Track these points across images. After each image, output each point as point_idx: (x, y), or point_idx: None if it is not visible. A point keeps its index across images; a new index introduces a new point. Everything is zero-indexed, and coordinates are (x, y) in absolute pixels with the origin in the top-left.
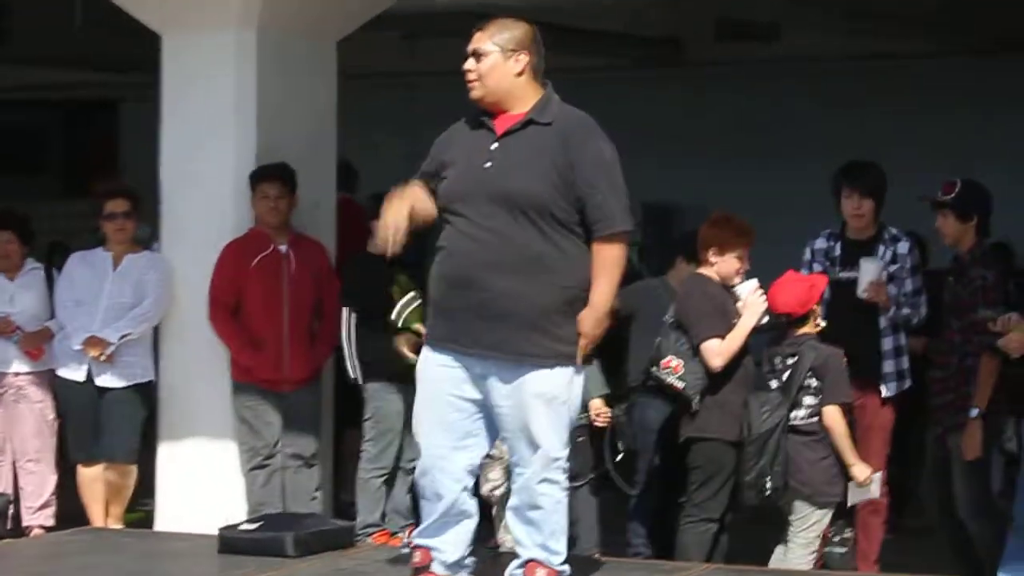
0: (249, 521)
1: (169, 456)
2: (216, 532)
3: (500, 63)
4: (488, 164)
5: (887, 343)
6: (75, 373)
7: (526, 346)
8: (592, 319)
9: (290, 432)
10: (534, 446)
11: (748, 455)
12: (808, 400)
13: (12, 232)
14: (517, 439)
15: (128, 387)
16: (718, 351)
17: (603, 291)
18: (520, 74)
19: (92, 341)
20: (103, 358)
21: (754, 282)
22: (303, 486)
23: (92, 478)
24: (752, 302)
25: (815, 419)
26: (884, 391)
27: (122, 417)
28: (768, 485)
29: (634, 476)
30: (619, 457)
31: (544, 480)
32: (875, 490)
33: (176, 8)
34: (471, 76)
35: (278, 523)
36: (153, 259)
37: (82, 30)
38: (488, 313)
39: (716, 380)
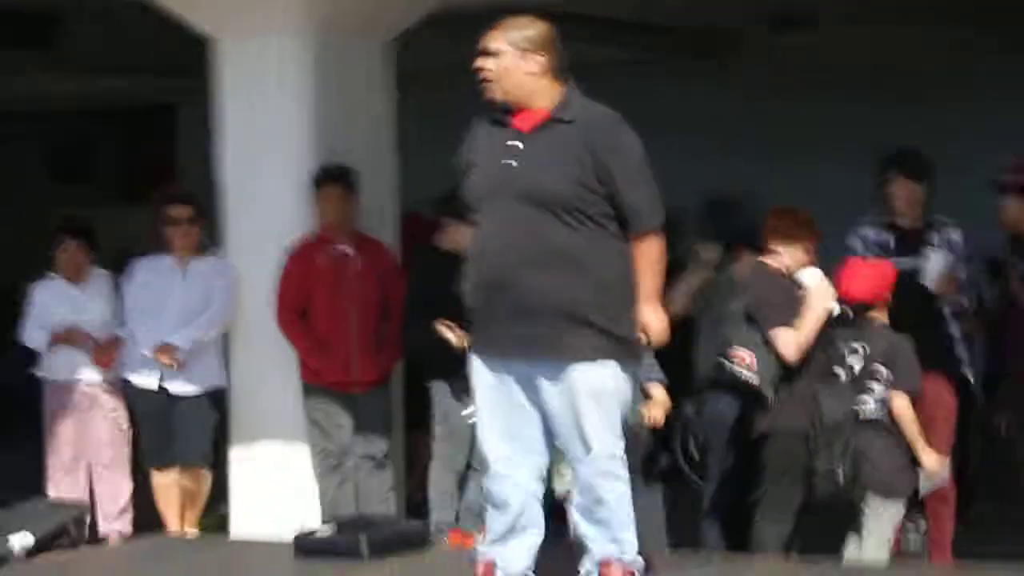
0: (324, 524)
1: (242, 460)
2: (291, 538)
3: (515, 63)
4: (514, 163)
5: (954, 329)
6: (146, 380)
7: (564, 341)
8: (650, 313)
9: (361, 434)
10: (587, 443)
11: (820, 445)
12: (878, 389)
13: (79, 240)
14: (571, 437)
15: (199, 393)
16: (793, 341)
17: (647, 285)
18: (536, 74)
19: (163, 348)
20: (175, 365)
21: (818, 271)
22: (375, 488)
23: (167, 484)
24: (820, 291)
25: (884, 409)
26: (958, 377)
27: (194, 423)
28: (841, 476)
29: (705, 472)
30: (693, 455)
31: (603, 474)
32: (944, 477)
33: (231, 14)
34: (487, 76)
35: (353, 525)
36: (219, 264)
37: (139, 36)
38: (522, 311)
39: (788, 372)
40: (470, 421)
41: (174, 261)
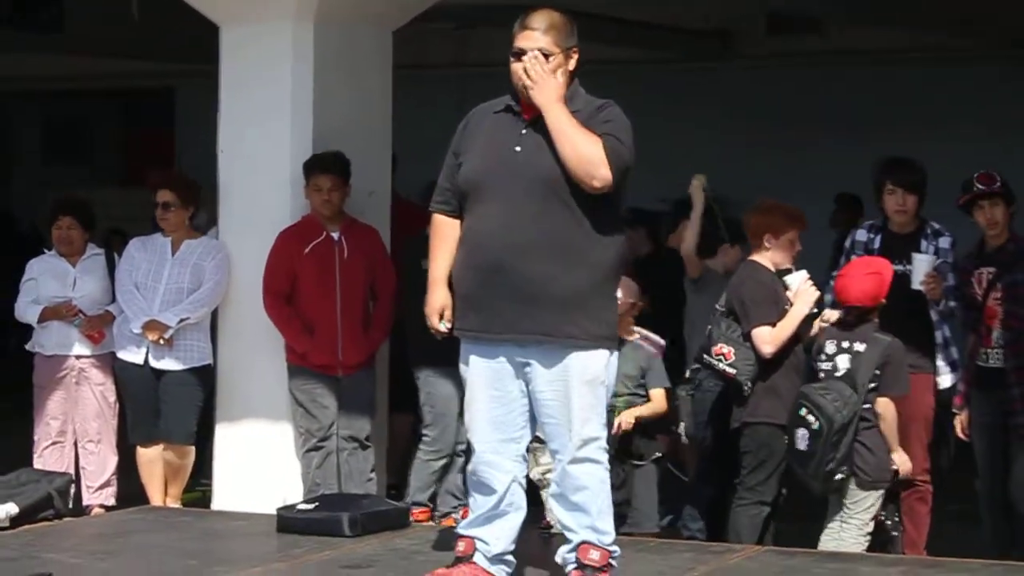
0: (306, 501)
1: (227, 438)
2: (274, 512)
3: (563, 64)
4: (518, 148)
5: (939, 336)
6: (134, 356)
7: (564, 329)
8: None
9: (345, 415)
10: (574, 429)
11: (827, 448)
12: (868, 388)
13: (74, 217)
14: (559, 424)
15: (186, 370)
16: (769, 339)
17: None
18: (573, 71)
19: (151, 325)
20: (162, 342)
21: (804, 273)
22: (358, 468)
23: (151, 459)
24: (804, 291)
25: (868, 406)
26: (942, 383)
27: (180, 399)
28: (840, 475)
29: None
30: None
31: (586, 460)
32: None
33: (234, 1)
34: (534, 76)
35: (334, 504)
36: (211, 245)
37: (140, 20)
38: (522, 297)
39: (766, 366)
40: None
41: (167, 240)
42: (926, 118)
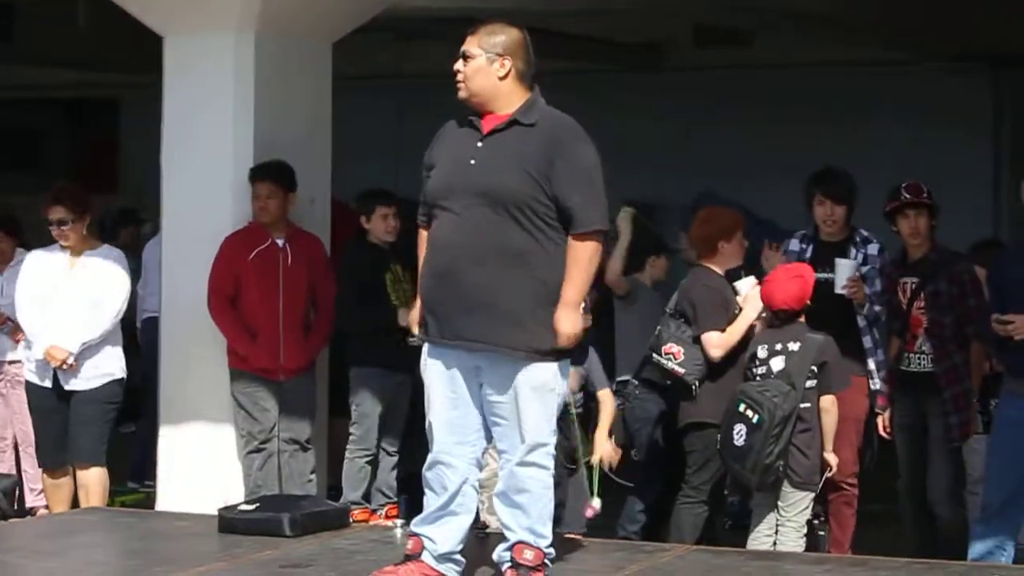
0: (247, 502)
1: (170, 439)
2: (215, 513)
3: (484, 66)
4: (473, 161)
5: (867, 340)
6: (42, 379)
7: (511, 340)
8: (566, 318)
9: (286, 418)
10: (523, 433)
11: (767, 440)
12: (805, 387)
13: (1, 230)
14: (508, 427)
15: (96, 388)
16: (718, 343)
17: (575, 287)
18: (504, 77)
19: (53, 351)
20: (65, 367)
21: (752, 279)
22: (298, 469)
23: (57, 484)
24: (752, 297)
25: (807, 405)
26: (872, 385)
27: (87, 420)
28: (780, 470)
29: (628, 467)
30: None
31: (533, 464)
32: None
33: (178, 11)
34: (459, 77)
35: (275, 504)
36: (108, 254)
37: (86, 31)
38: (471, 304)
39: (714, 368)
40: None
41: (65, 253)
42: (854, 128)
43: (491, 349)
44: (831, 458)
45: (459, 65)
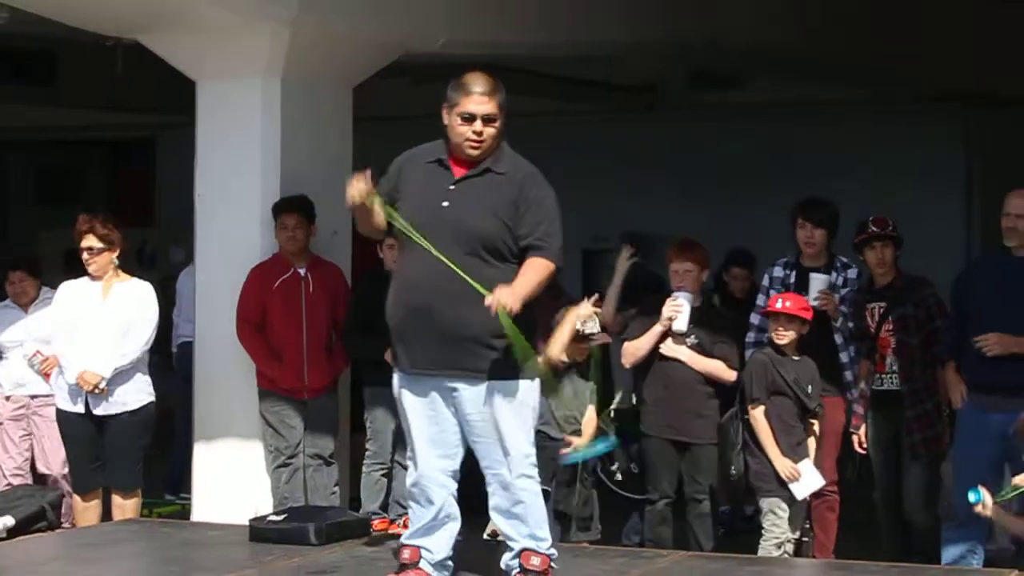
0: (276, 513)
1: (204, 455)
2: (247, 523)
3: (502, 125)
4: (446, 203)
5: (844, 356)
6: (74, 406)
7: (481, 364)
8: (507, 290)
9: (311, 435)
10: (505, 448)
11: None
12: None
13: (23, 271)
14: (489, 443)
15: (127, 412)
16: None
17: (524, 281)
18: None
19: (85, 376)
20: (97, 391)
21: (676, 294)
22: (323, 483)
23: (87, 507)
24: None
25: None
26: (849, 396)
27: (122, 447)
28: (732, 471)
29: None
30: (617, 476)
31: (523, 476)
32: (814, 481)
33: (210, 57)
34: (482, 138)
35: (302, 515)
36: (139, 287)
37: (124, 75)
38: (447, 338)
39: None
40: None
41: (97, 284)
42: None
43: (467, 375)
44: (778, 465)
45: (480, 127)
